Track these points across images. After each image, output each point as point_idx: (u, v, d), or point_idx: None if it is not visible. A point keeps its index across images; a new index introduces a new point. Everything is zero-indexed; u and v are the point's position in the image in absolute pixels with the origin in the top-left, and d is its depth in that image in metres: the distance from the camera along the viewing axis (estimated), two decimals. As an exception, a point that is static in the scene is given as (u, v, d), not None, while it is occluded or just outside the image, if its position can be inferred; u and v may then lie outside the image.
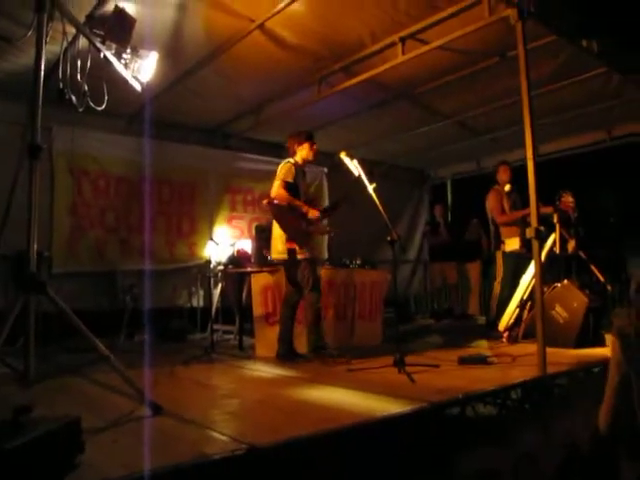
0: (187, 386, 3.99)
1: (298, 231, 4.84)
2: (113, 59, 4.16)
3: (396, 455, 2.78)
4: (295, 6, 4.51)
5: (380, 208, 4.45)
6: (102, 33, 4.16)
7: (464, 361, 4.51)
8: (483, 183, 6.91)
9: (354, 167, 4.62)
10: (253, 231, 6.82)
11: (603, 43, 4.98)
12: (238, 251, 6.43)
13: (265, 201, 5.12)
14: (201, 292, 7.36)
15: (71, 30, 3.92)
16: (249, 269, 5.87)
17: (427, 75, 5.94)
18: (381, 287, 6.24)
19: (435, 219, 9.33)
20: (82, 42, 4.18)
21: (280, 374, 4.36)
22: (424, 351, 5.23)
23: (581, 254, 5.84)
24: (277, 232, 4.92)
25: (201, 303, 7.35)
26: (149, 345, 5.97)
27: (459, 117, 7.40)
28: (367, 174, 4.56)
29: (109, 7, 4.23)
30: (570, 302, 5.39)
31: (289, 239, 4.82)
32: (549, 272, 5.55)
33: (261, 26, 4.83)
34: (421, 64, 5.44)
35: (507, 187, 6.23)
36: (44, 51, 2.98)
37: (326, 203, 8.35)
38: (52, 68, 3.62)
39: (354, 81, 5.67)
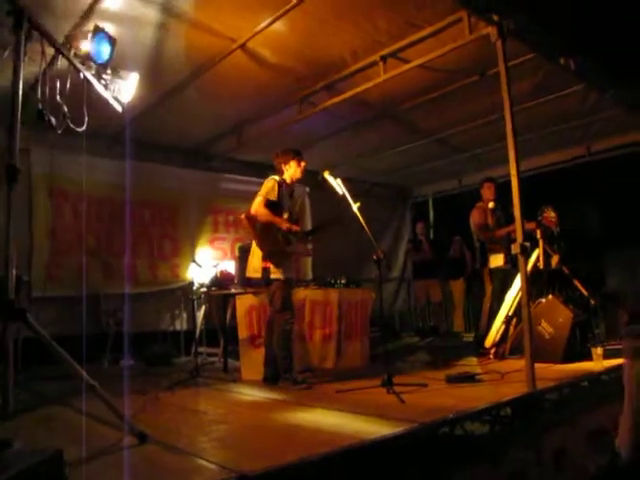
0: (173, 412, 3.90)
1: (274, 250, 4.75)
2: (93, 80, 4.09)
3: (389, 476, 2.74)
4: (276, 26, 4.53)
5: (365, 227, 4.44)
6: (82, 53, 4.12)
7: (452, 379, 4.49)
8: (465, 201, 6.95)
9: (338, 186, 4.59)
10: (236, 252, 6.77)
11: (580, 60, 5.04)
12: (221, 272, 6.34)
13: (243, 215, 5.05)
14: (184, 315, 7.27)
15: (50, 50, 3.87)
16: (232, 291, 5.81)
17: (409, 93, 5.97)
18: (366, 306, 6.17)
19: (417, 236, 9.34)
20: (61, 62, 4.12)
21: (267, 397, 4.30)
22: (411, 370, 5.20)
23: (564, 269, 5.86)
24: (255, 249, 4.84)
25: (184, 326, 7.26)
26: (134, 370, 5.87)
27: (441, 135, 7.45)
28: (350, 193, 4.54)
29: (89, 27, 4.19)
30: (555, 317, 5.40)
31: (264, 258, 4.73)
32: (533, 288, 5.56)
33: (242, 46, 4.83)
34: (403, 82, 5.46)
35: (491, 204, 6.24)
36: (22, 72, 2.92)
37: (308, 222, 8.32)
38: (31, 89, 3.55)
39: (336, 100, 5.68)
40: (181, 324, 7.26)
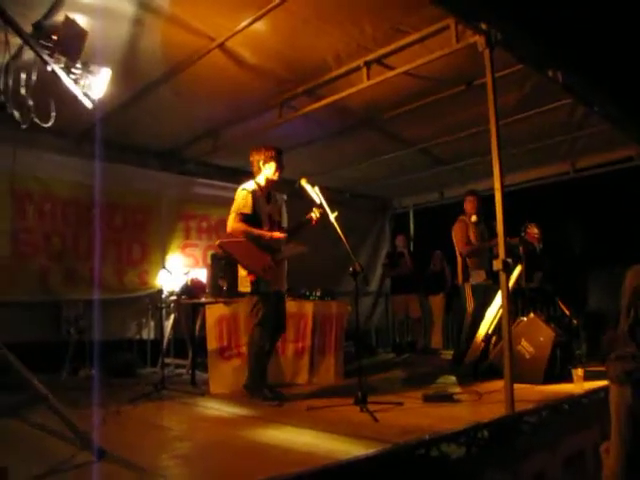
0: (135, 427, 3.75)
1: (257, 265, 4.59)
2: (62, 73, 3.89)
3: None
4: (257, 25, 4.35)
5: (343, 238, 4.33)
6: (50, 45, 3.91)
7: (429, 399, 4.38)
8: (446, 213, 6.84)
9: (315, 194, 4.53)
10: (208, 259, 6.58)
11: (568, 73, 4.96)
12: (192, 280, 6.14)
13: (217, 242, 4.92)
14: (152, 323, 7.00)
15: (16, 40, 3.64)
16: (203, 300, 5.64)
17: (392, 101, 5.84)
18: (342, 320, 6.00)
19: (397, 249, 9.18)
20: (28, 54, 3.91)
21: (236, 413, 4.17)
22: (387, 387, 5.07)
23: (547, 287, 5.77)
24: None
25: (152, 335, 6.99)
26: (95, 381, 5.61)
27: (423, 145, 7.33)
28: (328, 202, 4.46)
29: (59, 17, 3.98)
30: (536, 336, 5.26)
31: (250, 273, 4.62)
32: (514, 305, 5.44)
33: (221, 45, 4.65)
34: (386, 90, 5.34)
35: (473, 218, 6.12)
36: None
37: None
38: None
39: (317, 105, 5.53)
40: (148, 333, 6.98)
